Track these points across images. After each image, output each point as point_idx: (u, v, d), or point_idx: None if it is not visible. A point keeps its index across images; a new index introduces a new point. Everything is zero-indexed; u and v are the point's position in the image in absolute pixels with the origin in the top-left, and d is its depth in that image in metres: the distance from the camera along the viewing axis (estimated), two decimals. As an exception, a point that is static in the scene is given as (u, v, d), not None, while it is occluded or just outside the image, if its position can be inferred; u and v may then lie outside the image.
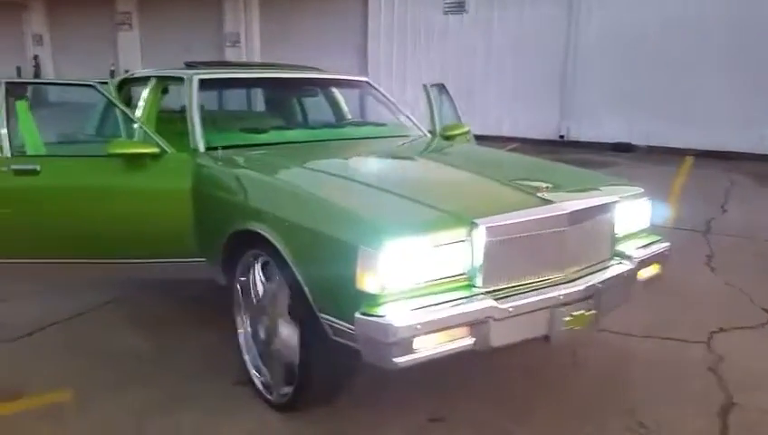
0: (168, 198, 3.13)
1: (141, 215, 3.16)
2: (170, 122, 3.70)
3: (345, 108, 4.41)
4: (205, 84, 3.55)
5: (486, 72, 11.93)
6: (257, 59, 14.42)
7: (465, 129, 4.30)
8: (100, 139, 4.18)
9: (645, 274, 2.88)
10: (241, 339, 2.93)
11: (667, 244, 3.04)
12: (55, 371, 3.13)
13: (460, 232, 2.26)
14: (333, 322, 2.32)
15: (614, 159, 9.89)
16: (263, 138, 3.49)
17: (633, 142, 10.87)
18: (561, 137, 11.53)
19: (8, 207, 3.16)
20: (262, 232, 2.56)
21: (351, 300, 2.19)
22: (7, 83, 3.28)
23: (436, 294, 2.22)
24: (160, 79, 3.90)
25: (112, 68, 16.45)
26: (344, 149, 3.56)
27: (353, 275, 2.16)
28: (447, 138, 4.10)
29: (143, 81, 4.08)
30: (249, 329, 2.89)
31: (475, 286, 2.29)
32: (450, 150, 3.69)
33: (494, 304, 2.24)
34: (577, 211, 2.49)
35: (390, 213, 2.31)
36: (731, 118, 10.01)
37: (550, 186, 2.57)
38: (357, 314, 2.14)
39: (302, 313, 2.46)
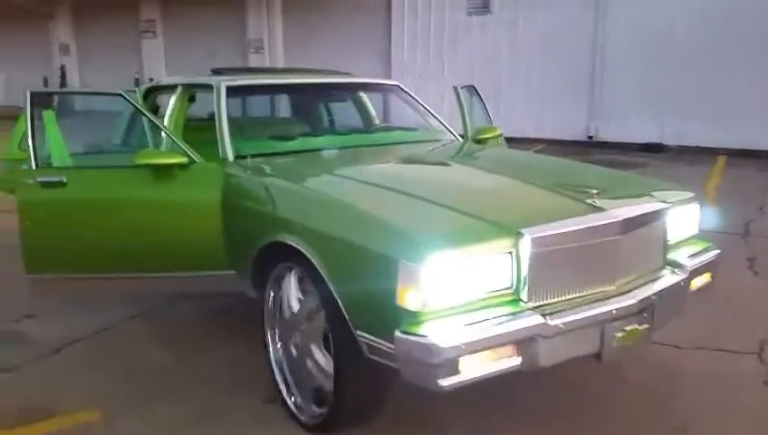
0: (197, 209, 3.04)
1: (169, 227, 3.08)
2: (198, 131, 3.62)
3: (373, 112, 4.30)
4: (232, 91, 3.46)
5: (512, 72, 11.74)
6: (280, 65, 14.39)
7: (498, 132, 4.16)
8: (128, 149, 4.13)
9: (697, 283, 2.72)
10: (271, 355, 2.82)
11: (717, 250, 2.87)
12: (84, 388, 3.05)
13: (505, 243, 2.13)
14: (370, 339, 2.21)
15: (644, 160, 9.65)
16: (291, 145, 3.39)
17: (664, 142, 10.62)
18: (590, 138, 11.30)
19: (35, 220, 3.10)
20: (294, 244, 2.45)
21: (390, 317, 2.07)
22: (33, 93, 3.22)
23: (480, 310, 2.09)
24: (187, 87, 3.83)
25: (136, 76, 16.54)
26: (376, 155, 3.45)
27: (393, 291, 2.04)
28: (479, 141, 3.97)
29: (170, 89, 4.01)
30: (280, 345, 2.79)
31: (521, 301, 2.15)
32: (485, 154, 3.55)
33: (542, 320, 2.10)
34: (630, 218, 2.34)
35: (431, 224, 2.19)
36: (763, 116, 9.71)
37: (598, 192, 2.42)
38: (397, 333, 2.02)
39: (336, 329, 2.34)
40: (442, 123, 4.04)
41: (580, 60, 11.16)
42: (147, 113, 3.31)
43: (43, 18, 19.06)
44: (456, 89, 4.33)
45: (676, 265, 2.63)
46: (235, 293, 3.16)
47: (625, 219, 2.32)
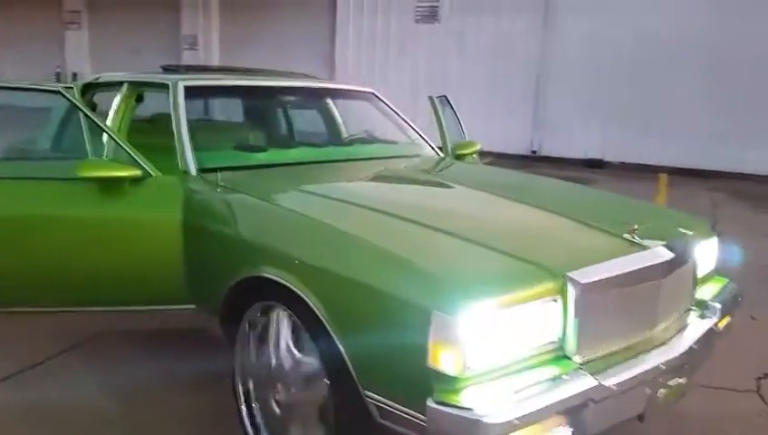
0: (153, 231, 2.55)
1: (116, 252, 2.58)
2: (140, 134, 3.10)
3: (340, 121, 3.89)
4: (192, 93, 2.98)
5: (459, 83, 11.56)
6: (216, 64, 13.70)
7: (477, 146, 3.87)
8: (60, 155, 3.55)
9: (722, 323, 2.48)
10: (244, 412, 2.37)
11: (735, 286, 2.65)
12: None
13: (551, 289, 1.78)
14: (384, 403, 1.81)
15: (590, 176, 9.64)
16: (262, 157, 2.95)
17: (605, 159, 10.69)
18: (534, 152, 11.25)
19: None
20: (283, 282, 2.02)
21: (418, 380, 1.68)
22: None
23: (525, 371, 1.73)
24: (135, 85, 3.30)
25: (58, 70, 15.41)
26: (363, 172, 3.04)
27: (422, 349, 1.65)
28: (458, 156, 3.66)
29: (112, 86, 3.47)
30: (256, 399, 2.34)
31: (569, 358, 1.81)
32: (485, 175, 3.21)
33: (596, 381, 1.77)
34: (674, 258, 2.05)
35: (468, 266, 1.81)
36: (706, 135, 9.89)
37: (636, 226, 2.12)
38: (431, 403, 1.63)
39: (338, 387, 1.93)
40: (421, 136, 3.69)
41: (527, 72, 11.09)
42: (92, 116, 2.78)
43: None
44: (431, 99, 4.01)
45: (704, 305, 2.37)
46: (195, 329, 2.69)
47: (671, 259, 2.02)
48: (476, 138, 4.04)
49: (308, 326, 2.00)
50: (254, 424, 2.35)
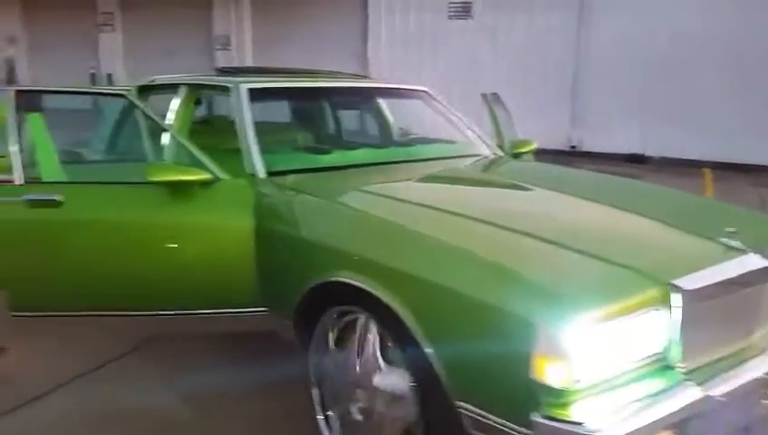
0: (224, 235, 2.53)
1: (188, 256, 2.56)
2: (195, 137, 3.09)
3: (397, 121, 3.83)
4: (254, 95, 2.94)
5: (494, 79, 11.39)
6: (249, 64, 13.74)
7: (534, 145, 3.79)
8: (117, 158, 3.56)
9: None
10: (320, 420, 2.33)
11: None
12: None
13: (655, 297, 1.71)
14: (479, 414, 1.76)
15: (632, 172, 9.45)
16: (328, 160, 2.91)
17: (647, 154, 10.49)
18: (573, 147, 11.08)
19: (22, 248, 2.54)
20: (367, 288, 1.97)
21: (521, 393, 1.63)
22: (18, 92, 2.65)
23: (632, 383, 1.67)
24: (193, 87, 3.29)
25: (92, 71, 15.59)
26: (428, 173, 2.98)
27: (526, 361, 1.60)
28: (515, 155, 3.59)
29: (168, 89, 3.47)
30: (334, 409, 2.30)
31: (673, 369, 1.74)
32: (558, 175, 3.11)
33: (703, 392, 1.69)
34: (775, 262, 1.96)
35: (573, 274, 1.75)
36: (748, 129, 9.65)
37: (734, 230, 2.03)
38: (537, 417, 1.58)
39: (427, 397, 1.89)
40: (478, 135, 3.62)
41: (563, 68, 10.93)
42: (159, 120, 2.77)
43: (-11, 7, 17.86)
44: (485, 97, 3.95)
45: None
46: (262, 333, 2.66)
47: (772, 263, 1.93)
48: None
49: (393, 333, 1.95)
50: (331, 431, 2.32)
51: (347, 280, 2.06)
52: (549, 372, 1.57)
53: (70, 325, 2.65)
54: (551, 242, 1.89)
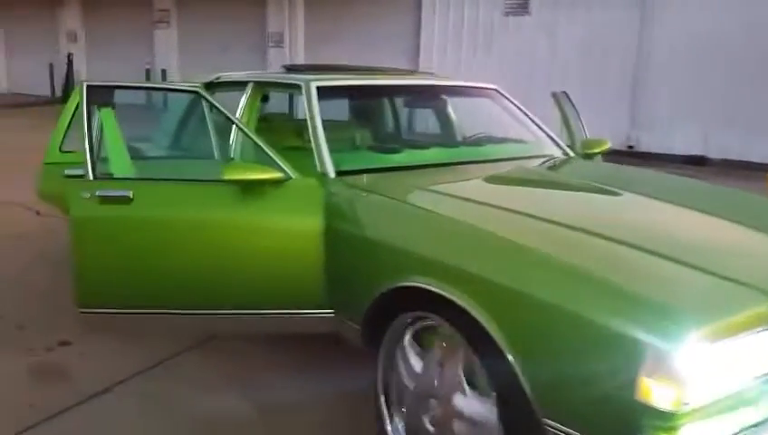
0: (294, 234, 2.48)
1: (258, 255, 2.52)
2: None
3: (466, 120, 3.73)
4: (323, 93, 2.89)
5: (550, 77, 11.17)
6: (301, 61, 13.80)
7: (607, 144, 3.63)
8: (182, 154, 3.56)
9: None
10: (388, 429, 2.26)
11: None
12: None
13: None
14: (569, 433, 1.65)
15: (693, 174, 9.10)
16: (398, 159, 2.83)
17: (707, 155, 10.09)
18: (630, 147, 10.74)
19: (93, 243, 2.53)
20: (447, 295, 1.88)
21: (619, 413, 1.52)
22: (90, 87, 2.65)
23: (744, 406, 1.54)
24: (260, 85, 3.26)
25: (148, 66, 15.93)
26: (503, 174, 2.88)
27: (631, 381, 1.48)
28: (587, 155, 3.44)
29: (235, 85, 3.45)
30: (403, 418, 2.23)
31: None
32: (642, 178, 2.97)
33: None
34: None
35: (681, 289, 1.63)
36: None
37: None
38: (639, 440, 1.46)
39: (510, 411, 1.79)
40: (548, 134, 3.49)
41: (623, 65, 10.60)
42: (233, 118, 2.74)
43: (51, 3, 18.41)
44: (555, 95, 3.81)
45: None
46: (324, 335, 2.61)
47: None
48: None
49: (474, 343, 1.86)
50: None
51: (426, 286, 1.97)
52: (656, 394, 1.45)
53: (137, 324, 2.63)
54: (652, 252, 1.77)
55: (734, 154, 9.79)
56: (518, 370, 1.72)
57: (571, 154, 3.40)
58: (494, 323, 1.77)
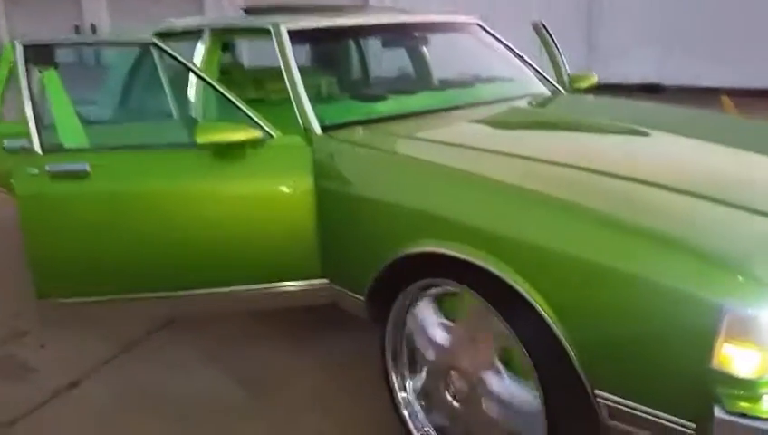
0: (280, 201, 2.22)
1: (238, 227, 2.25)
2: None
3: (448, 60, 3.45)
4: (295, 38, 2.57)
5: (504, 7, 10.85)
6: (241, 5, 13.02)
7: (594, 79, 3.45)
8: (134, 117, 3.19)
9: None
10: (403, 406, 2.09)
11: None
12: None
13: None
14: (627, 405, 1.49)
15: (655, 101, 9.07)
16: (386, 108, 2.56)
17: (662, 83, 10.08)
18: (588, 78, 10.62)
19: (47, 226, 2.21)
20: (477, 262, 1.67)
21: (692, 383, 1.36)
22: (27, 47, 2.27)
23: None
24: (219, 32, 2.90)
25: (77, 23, 14.85)
26: (503, 117, 2.65)
27: (706, 348, 1.31)
28: (576, 90, 3.25)
29: (187, 35, 3.08)
30: (415, 388, 2.06)
31: None
32: (650, 113, 2.76)
33: None
34: None
35: (757, 242, 1.44)
36: (763, 53, 9.23)
37: None
38: (722, 414, 1.30)
39: (551, 382, 1.61)
40: (537, 71, 3.26)
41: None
42: (198, 70, 2.41)
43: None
44: (537, 26, 3.56)
45: None
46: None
47: None
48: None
49: (510, 313, 1.66)
50: (413, 415, 2.07)
51: (450, 252, 1.74)
52: (736, 361, 1.29)
53: (106, 310, 2.35)
54: (708, 198, 1.58)
55: (689, 80, 9.79)
56: (564, 340, 1.54)
57: (562, 91, 3.19)
58: (533, 291, 1.57)
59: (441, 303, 1.92)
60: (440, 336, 1.90)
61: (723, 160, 2.01)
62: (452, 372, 1.90)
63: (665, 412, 1.44)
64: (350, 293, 2.21)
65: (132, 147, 2.31)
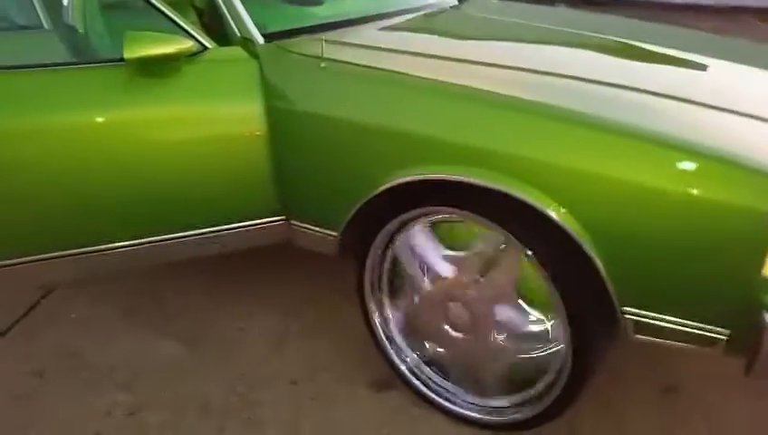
0: (224, 126, 1.89)
1: (173, 162, 1.90)
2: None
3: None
4: None
5: None
6: None
7: None
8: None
9: None
10: (391, 351, 1.99)
11: None
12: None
13: None
14: (654, 318, 1.51)
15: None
16: (323, 13, 2.27)
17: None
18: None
19: None
20: (496, 186, 1.53)
21: (739, 293, 1.38)
22: None
23: None
24: None
25: None
26: (467, 21, 2.47)
27: (756, 257, 1.32)
28: None
29: None
30: (399, 320, 1.98)
31: None
32: (599, 22, 2.66)
33: None
34: None
35: None
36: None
37: None
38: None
39: (577, 301, 1.57)
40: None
41: None
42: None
43: None
44: None
45: None
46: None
47: None
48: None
49: (528, 234, 1.56)
50: (397, 348, 1.98)
51: (459, 177, 1.57)
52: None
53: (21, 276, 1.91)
54: (720, 109, 1.56)
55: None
56: (595, 258, 1.48)
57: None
58: (562, 211, 1.48)
59: (436, 230, 1.78)
60: (440, 266, 1.77)
61: (707, 71, 2.01)
62: (450, 304, 1.80)
63: (697, 322, 1.46)
64: (316, 229, 1.98)
65: (22, 67, 1.82)
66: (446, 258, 1.77)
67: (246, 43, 1.94)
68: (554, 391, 1.71)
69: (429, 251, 1.79)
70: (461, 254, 1.74)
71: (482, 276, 1.70)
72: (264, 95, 1.87)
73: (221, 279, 2.62)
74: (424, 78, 1.73)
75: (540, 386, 1.76)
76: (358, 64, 1.81)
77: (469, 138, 1.58)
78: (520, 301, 1.71)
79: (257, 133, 1.89)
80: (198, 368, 2.16)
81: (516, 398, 1.82)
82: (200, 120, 1.88)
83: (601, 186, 1.43)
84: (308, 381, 2.11)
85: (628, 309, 1.53)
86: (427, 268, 1.80)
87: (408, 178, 1.66)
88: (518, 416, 1.81)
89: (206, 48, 1.88)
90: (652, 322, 1.52)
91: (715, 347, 1.48)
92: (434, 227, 1.78)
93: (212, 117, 1.89)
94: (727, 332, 1.44)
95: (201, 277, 2.63)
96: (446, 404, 1.92)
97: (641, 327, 1.54)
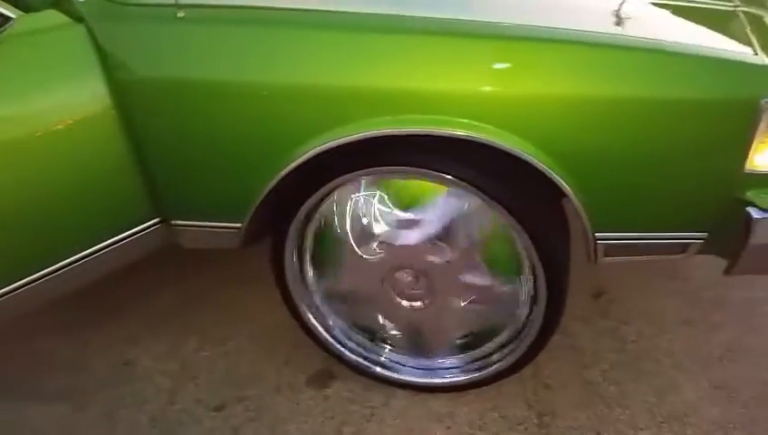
0: (57, 118, 1.40)
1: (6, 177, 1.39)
2: None
3: None
4: None
5: None
6: None
7: None
8: None
9: None
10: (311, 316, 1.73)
11: None
12: None
13: None
14: (625, 238, 1.43)
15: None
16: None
17: None
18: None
19: None
20: (463, 134, 1.29)
21: (710, 196, 1.34)
22: None
23: None
24: None
25: None
26: None
27: (741, 150, 1.26)
28: None
29: None
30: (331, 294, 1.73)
31: None
32: None
33: None
34: None
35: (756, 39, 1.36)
36: None
37: None
38: (759, 214, 1.29)
39: (544, 237, 1.42)
40: None
41: None
42: None
43: None
44: None
45: None
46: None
47: None
48: None
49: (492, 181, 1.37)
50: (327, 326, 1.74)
51: (424, 130, 1.30)
52: (770, 158, 1.27)
53: None
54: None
55: None
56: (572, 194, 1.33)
57: None
58: (532, 148, 1.30)
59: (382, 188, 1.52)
60: (401, 236, 1.52)
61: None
62: (397, 273, 1.57)
63: (674, 231, 1.41)
64: (208, 224, 1.61)
65: None
66: (398, 223, 1.52)
67: (62, 3, 1.44)
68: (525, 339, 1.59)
69: (372, 213, 1.53)
70: (417, 217, 1.50)
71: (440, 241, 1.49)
72: (102, 68, 1.40)
73: (77, 314, 2.10)
74: (330, 12, 1.39)
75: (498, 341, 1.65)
76: (233, 6, 1.42)
77: (429, 83, 1.30)
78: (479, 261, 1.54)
79: (102, 121, 1.43)
80: (91, 427, 1.71)
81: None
82: (22, 118, 1.37)
83: (563, 106, 1.27)
84: (236, 402, 1.77)
85: (601, 234, 1.43)
86: (369, 233, 1.54)
87: (335, 143, 1.36)
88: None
89: (8, 19, 1.35)
90: (623, 242, 1.44)
91: (688, 251, 1.44)
92: (378, 185, 1.51)
93: (38, 110, 1.38)
94: (704, 235, 1.40)
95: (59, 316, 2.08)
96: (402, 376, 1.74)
97: (612, 250, 1.46)
